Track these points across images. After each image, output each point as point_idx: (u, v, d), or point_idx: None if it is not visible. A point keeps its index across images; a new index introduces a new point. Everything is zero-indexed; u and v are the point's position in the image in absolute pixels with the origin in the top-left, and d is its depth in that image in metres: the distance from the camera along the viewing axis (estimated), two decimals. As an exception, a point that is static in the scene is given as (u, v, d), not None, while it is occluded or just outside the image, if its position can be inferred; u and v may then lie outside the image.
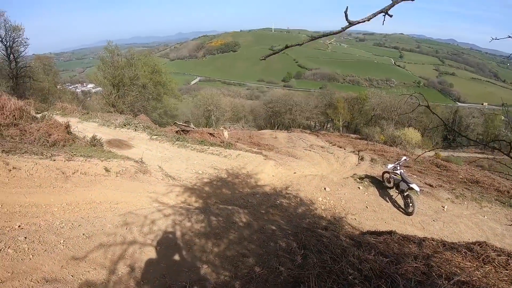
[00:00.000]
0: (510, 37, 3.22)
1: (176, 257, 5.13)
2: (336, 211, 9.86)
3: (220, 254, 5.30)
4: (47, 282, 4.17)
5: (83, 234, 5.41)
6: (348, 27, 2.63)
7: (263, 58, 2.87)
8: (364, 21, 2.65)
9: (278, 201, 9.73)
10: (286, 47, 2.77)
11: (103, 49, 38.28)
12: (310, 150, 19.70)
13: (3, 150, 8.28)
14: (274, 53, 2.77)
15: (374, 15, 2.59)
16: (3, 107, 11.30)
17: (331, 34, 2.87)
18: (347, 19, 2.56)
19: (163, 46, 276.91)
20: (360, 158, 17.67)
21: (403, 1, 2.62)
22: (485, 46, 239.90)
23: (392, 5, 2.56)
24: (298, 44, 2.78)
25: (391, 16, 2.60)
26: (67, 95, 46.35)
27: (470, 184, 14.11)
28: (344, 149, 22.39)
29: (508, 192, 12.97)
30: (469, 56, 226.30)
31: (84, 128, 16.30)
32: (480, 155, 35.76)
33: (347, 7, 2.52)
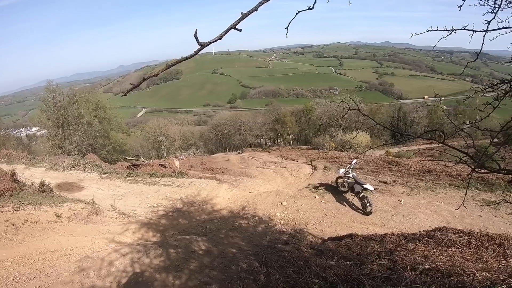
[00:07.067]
0: (428, 30, 3.38)
1: (137, 295, 4.94)
2: (296, 223, 9.82)
3: (182, 286, 5.15)
4: None
5: (39, 286, 5.27)
6: (201, 49, 2.63)
7: (124, 94, 2.89)
8: (216, 40, 2.66)
9: (236, 223, 9.58)
10: (144, 80, 2.90)
11: (44, 89, 37.46)
12: (263, 168, 19.81)
13: None
14: (134, 87, 2.75)
15: (225, 32, 2.62)
16: None
17: (184, 59, 2.81)
18: (197, 41, 2.56)
19: (106, 81, 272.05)
20: (313, 168, 17.92)
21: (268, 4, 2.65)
22: (419, 44, 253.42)
23: (241, 19, 2.57)
24: (155, 75, 2.97)
25: (240, 30, 2.61)
26: (11, 141, 44.33)
27: (423, 174, 14.58)
28: (297, 161, 22.68)
29: (460, 175, 13.45)
30: (405, 55, 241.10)
31: (32, 174, 15.61)
32: (429, 145, 37.26)
33: (196, 29, 2.52)
